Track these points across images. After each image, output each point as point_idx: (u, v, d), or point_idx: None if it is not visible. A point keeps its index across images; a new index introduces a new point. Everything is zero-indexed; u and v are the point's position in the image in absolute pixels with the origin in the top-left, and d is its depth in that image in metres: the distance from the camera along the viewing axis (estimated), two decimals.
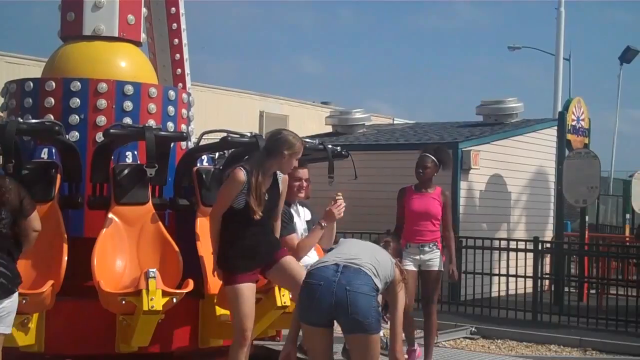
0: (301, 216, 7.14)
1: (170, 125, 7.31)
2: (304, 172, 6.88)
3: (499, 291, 13.07)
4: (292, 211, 7.02)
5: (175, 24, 9.30)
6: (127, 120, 6.96)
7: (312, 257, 7.01)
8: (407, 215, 7.89)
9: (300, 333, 5.26)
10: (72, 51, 7.58)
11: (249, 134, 6.83)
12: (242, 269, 5.75)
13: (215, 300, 6.41)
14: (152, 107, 7.19)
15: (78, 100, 7.00)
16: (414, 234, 7.79)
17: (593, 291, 13.62)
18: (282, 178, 6.03)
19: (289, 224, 6.83)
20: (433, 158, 8.00)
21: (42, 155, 6.75)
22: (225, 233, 5.80)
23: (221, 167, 7.19)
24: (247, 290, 5.74)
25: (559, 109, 17.40)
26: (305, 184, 6.89)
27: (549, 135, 15.95)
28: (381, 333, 5.80)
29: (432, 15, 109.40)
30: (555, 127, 15.12)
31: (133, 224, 6.40)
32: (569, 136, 14.64)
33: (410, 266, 7.54)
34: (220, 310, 6.56)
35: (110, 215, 6.50)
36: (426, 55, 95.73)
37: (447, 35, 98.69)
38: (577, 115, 14.96)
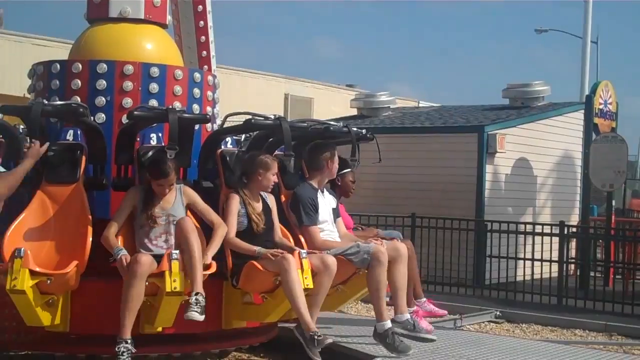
0: (327, 202, 7.17)
1: (195, 107, 7.32)
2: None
3: (524, 275, 13.02)
4: (319, 198, 7.05)
5: (200, 6, 9.31)
6: (153, 103, 6.98)
7: (334, 237, 7.06)
8: None
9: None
10: (98, 33, 7.61)
11: (272, 117, 6.83)
12: None
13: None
14: (178, 89, 7.20)
15: (104, 82, 7.02)
16: None
17: (619, 276, 13.53)
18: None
19: (313, 215, 6.90)
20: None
21: (68, 137, 6.77)
22: None
23: (245, 150, 7.21)
24: None
25: (586, 92, 17.29)
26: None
27: (575, 118, 15.83)
28: None
29: None
30: (582, 111, 15.00)
31: None
32: (596, 120, 14.53)
33: None
34: (244, 292, 6.60)
35: None
36: (451, 38, 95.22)
37: (472, 18, 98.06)
38: (604, 99, 14.84)
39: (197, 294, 5.95)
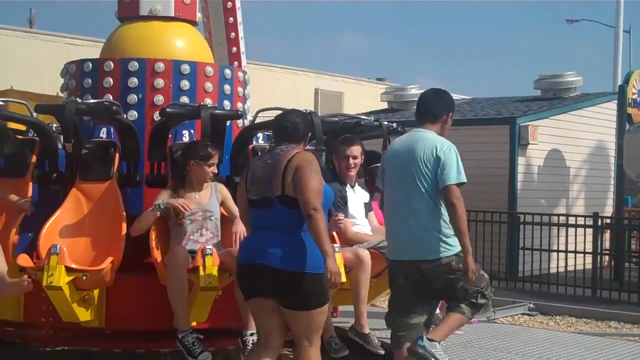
0: (357, 197, 7.12)
1: (226, 103, 7.36)
2: (352, 150, 6.91)
3: (557, 267, 12.96)
4: (348, 193, 7.01)
5: (230, 3, 9.35)
6: (184, 99, 7.02)
7: (366, 231, 7.01)
8: None
9: None
10: (129, 31, 7.66)
11: (303, 112, 6.83)
12: None
13: None
14: (209, 85, 7.24)
15: (136, 80, 7.07)
16: None
17: None
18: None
19: (342, 208, 6.86)
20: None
21: (101, 135, 6.84)
22: None
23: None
24: None
25: (619, 82, 17.14)
26: (353, 161, 6.92)
27: (608, 109, 15.71)
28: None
29: None
30: (615, 101, 14.89)
31: None
32: (630, 110, 14.42)
33: None
34: None
35: None
36: (482, 30, 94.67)
37: (503, 9, 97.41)
38: (637, 89, 14.72)
39: (252, 334, 5.95)
